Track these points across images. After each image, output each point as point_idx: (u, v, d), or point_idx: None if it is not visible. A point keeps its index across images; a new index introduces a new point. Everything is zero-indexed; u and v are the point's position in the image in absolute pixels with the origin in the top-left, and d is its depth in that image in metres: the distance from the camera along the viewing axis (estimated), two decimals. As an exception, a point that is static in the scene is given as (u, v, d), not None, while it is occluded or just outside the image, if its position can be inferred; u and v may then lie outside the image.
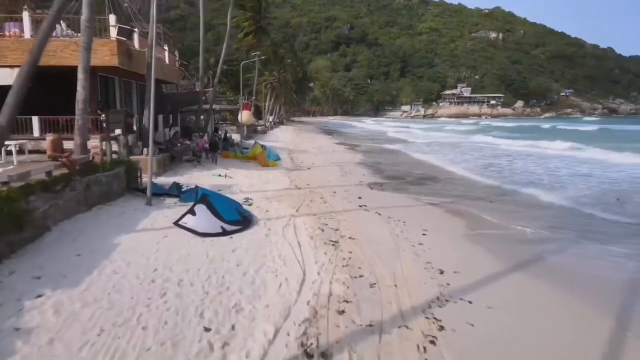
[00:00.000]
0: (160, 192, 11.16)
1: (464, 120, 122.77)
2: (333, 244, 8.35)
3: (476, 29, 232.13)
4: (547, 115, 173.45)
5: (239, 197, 11.55)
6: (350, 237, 8.88)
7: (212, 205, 9.01)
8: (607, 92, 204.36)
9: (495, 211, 12.02)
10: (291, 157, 23.34)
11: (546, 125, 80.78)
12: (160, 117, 21.03)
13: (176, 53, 21.94)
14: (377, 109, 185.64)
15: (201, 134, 17.52)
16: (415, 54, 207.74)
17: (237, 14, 43.79)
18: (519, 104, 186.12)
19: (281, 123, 78.50)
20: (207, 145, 16.82)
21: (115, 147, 13.38)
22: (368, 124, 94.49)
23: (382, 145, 37.56)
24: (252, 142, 27.85)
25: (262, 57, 38.33)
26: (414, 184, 16.73)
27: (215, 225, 8.60)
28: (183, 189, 11.46)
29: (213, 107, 24.21)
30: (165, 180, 13.10)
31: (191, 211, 8.85)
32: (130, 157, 13.05)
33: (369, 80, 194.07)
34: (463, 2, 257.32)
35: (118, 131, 13.62)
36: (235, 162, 18.32)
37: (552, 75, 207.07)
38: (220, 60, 22.59)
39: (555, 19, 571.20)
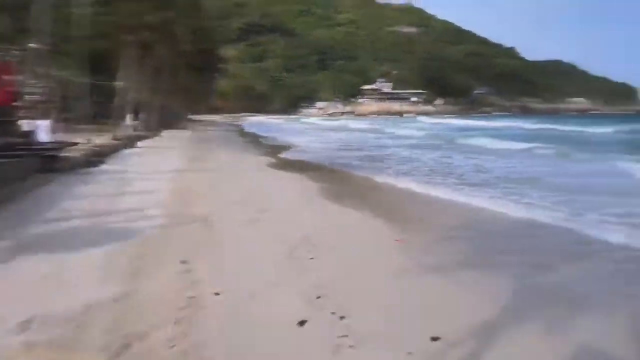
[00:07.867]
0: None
1: (410, 122, 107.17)
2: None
3: (393, 23, 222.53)
4: (472, 113, 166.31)
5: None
6: None
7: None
8: (520, 91, 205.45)
9: None
10: None
11: (525, 125, 55.86)
12: None
13: None
14: (295, 106, 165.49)
15: None
16: (335, 45, 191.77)
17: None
18: (439, 101, 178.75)
19: (162, 127, 35.49)
20: None
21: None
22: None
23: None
24: None
25: None
26: None
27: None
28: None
29: None
30: None
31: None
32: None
33: (284, 74, 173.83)
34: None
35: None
36: None
37: (469, 73, 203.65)
38: None
39: (464, 17, 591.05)
